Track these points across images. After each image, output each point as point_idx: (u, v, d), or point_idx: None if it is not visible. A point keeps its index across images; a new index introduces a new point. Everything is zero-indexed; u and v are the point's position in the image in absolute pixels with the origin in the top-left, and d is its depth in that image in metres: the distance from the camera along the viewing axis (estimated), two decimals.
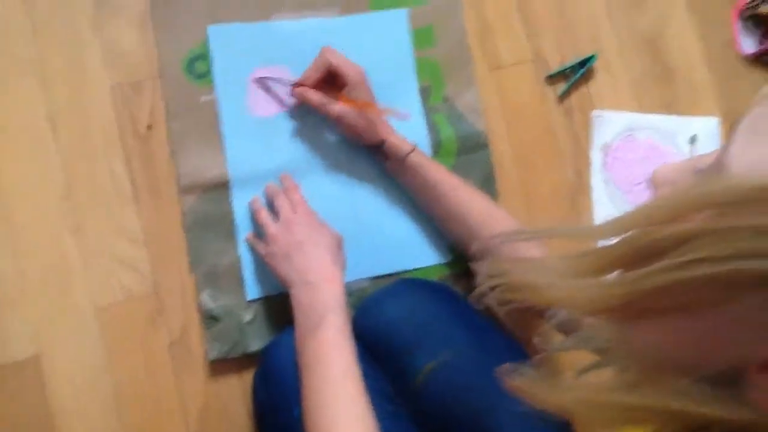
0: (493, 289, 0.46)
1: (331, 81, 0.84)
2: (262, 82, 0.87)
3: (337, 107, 0.82)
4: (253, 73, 0.88)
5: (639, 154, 1.00)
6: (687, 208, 0.34)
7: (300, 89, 0.84)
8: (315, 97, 0.83)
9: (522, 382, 0.47)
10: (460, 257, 0.90)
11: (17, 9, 0.85)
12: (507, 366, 0.48)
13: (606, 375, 0.46)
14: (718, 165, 0.36)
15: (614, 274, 0.38)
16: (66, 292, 0.81)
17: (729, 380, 0.36)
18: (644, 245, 0.36)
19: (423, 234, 0.91)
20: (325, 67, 0.83)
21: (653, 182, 0.42)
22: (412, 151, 0.84)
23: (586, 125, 1.01)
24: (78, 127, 0.84)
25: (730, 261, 0.32)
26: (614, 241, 0.37)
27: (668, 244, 0.34)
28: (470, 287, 0.90)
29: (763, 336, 0.34)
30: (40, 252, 0.81)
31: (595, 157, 1.00)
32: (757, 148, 0.34)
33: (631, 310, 0.38)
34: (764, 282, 0.31)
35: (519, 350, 0.82)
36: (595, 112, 1.00)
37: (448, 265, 0.91)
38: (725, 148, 0.36)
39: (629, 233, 0.37)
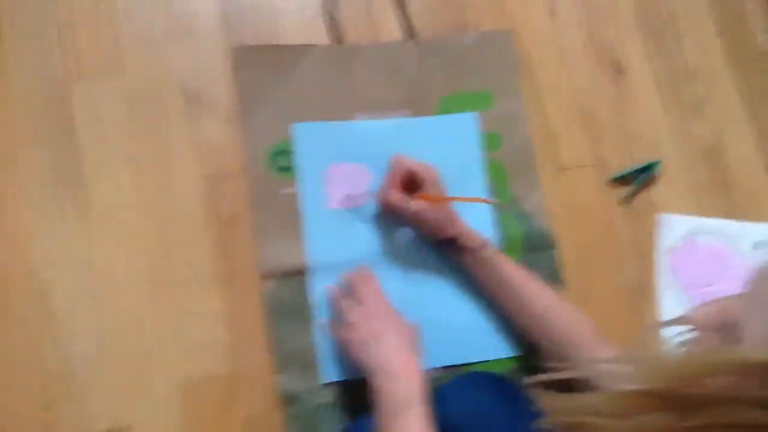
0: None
1: (407, 184, 0.95)
2: (349, 199, 0.99)
3: (415, 205, 0.92)
4: (331, 168, 0.99)
5: (703, 258, 1.07)
6: (707, 372, 0.41)
7: (383, 195, 0.95)
8: (395, 198, 0.93)
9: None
10: (528, 351, 0.97)
11: (118, 105, 0.97)
12: None
13: None
14: (736, 335, 0.43)
15: (654, 418, 0.44)
16: (148, 372, 0.90)
17: None
18: (672, 396, 0.42)
19: (494, 327, 0.99)
20: (401, 173, 0.93)
21: (691, 322, 0.50)
22: (485, 244, 0.92)
23: (649, 228, 1.09)
24: (165, 214, 0.95)
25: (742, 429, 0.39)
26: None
27: (687, 403, 0.41)
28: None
29: None
30: (127, 333, 0.91)
31: (660, 260, 1.07)
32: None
33: None
34: None
35: None
36: (658, 216, 1.09)
37: (517, 358, 0.98)
38: (744, 317, 0.43)
39: (658, 382, 0.43)
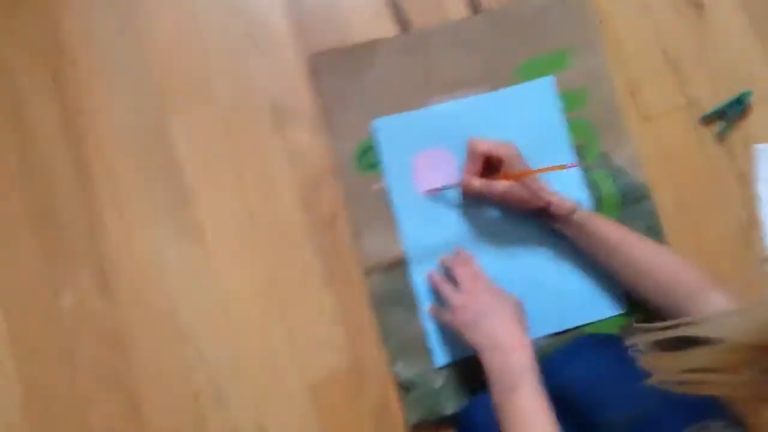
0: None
1: (488, 165, 0.97)
2: (433, 192, 1.03)
3: (500, 186, 0.95)
4: (415, 157, 1.03)
5: None
6: None
7: (465, 184, 0.98)
8: (478, 184, 0.96)
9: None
10: (637, 305, 0.98)
11: (213, 130, 1.05)
12: (695, 427, 0.55)
13: None
14: None
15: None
16: (279, 373, 0.99)
17: None
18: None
19: (597, 287, 1.01)
20: (478, 157, 0.96)
21: None
22: (576, 207, 0.94)
23: (750, 162, 1.06)
24: (273, 223, 1.03)
25: None
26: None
27: None
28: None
29: None
30: (256, 339, 1.00)
31: (763, 192, 1.05)
32: None
33: None
34: None
35: (710, 404, 0.87)
36: (757, 146, 1.06)
37: (625, 315, 1.00)
38: None
39: (755, 335, 0.45)
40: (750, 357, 0.46)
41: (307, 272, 1.02)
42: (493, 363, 0.85)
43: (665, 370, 0.53)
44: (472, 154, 0.97)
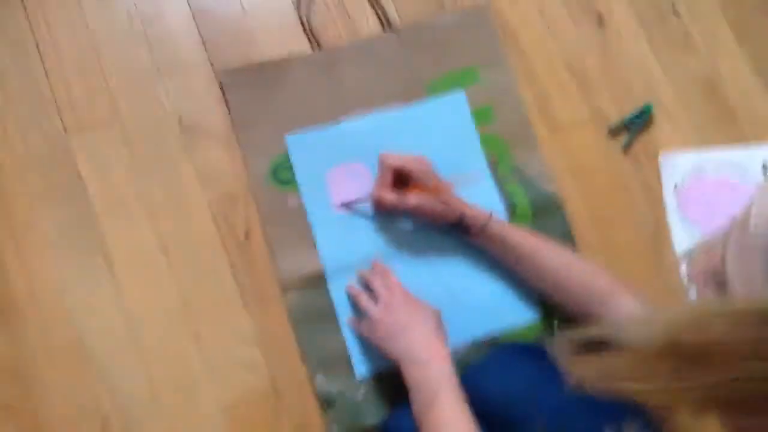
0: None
1: (400, 179, 0.98)
2: (347, 206, 1.03)
3: (413, 199, 0.95)
4: (331, 171, 1.03)
5: (712, 191, 1.08)
6: (705, 319, 0.43)
7: (376, 199, 0.98)
8: (390, 198, 0.96)
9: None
10: (553, 311, 1.00)
11: (119, 151, 1.02)
12: (611, 428, 0.56)
13: None
14: (720, 280, 0.46)
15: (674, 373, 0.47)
16: (193, 397, 0.95)
17: None
18: (674, 349, 0.45)
19: (513, 295, 1.02)
20: (389, 172, 0.97)
21: (689, 277, 0.52)
22: (490, 218, 0.95)
23: (655, 171, 1.10)
24: (185, 244, 1.00)
25: (743, 370, 0.41)
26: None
27: (696, 349, 0.44)
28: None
29: None
30: (167, 365, 0.96)
31: (669, 199, 1.09)
32: (749, 271, 0.43)
33: (700, 407, 0.48)
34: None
35: (628, 406, 0.88)
36: (662, 156, 1.10)
37: (542, 321, 1.02)
38: (723, 261, 0.45)
39: (661, 341, 0.46)
40: (654, 362, 0.47)
41: (223, 293, 0.99)
42: (412, 375, 0.85)
43: (582, 375, 0.54)
44: (382, 168, 0.97)
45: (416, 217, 1.00)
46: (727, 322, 0.42)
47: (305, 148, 1.04)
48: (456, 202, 0.97)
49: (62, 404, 0.93)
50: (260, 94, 1.05)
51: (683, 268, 0.55)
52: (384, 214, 1.03)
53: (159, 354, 0.96)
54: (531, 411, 0.85)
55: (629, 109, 1.12)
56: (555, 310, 0.99)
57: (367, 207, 1.02)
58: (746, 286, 0.43)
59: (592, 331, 0.57)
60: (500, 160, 1.07)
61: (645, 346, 0.47)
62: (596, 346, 0.54)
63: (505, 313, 1.01)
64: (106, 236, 0.99)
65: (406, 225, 1.03)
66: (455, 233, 1.00)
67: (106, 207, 1.00)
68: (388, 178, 0.97)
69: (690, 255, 0.54)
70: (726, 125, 1.13)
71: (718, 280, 0.47)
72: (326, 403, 0.96)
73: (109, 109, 1.03)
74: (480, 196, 1.02)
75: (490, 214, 0.96)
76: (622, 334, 0.52)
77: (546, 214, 1.06)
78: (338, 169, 1.04)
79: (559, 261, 0.95)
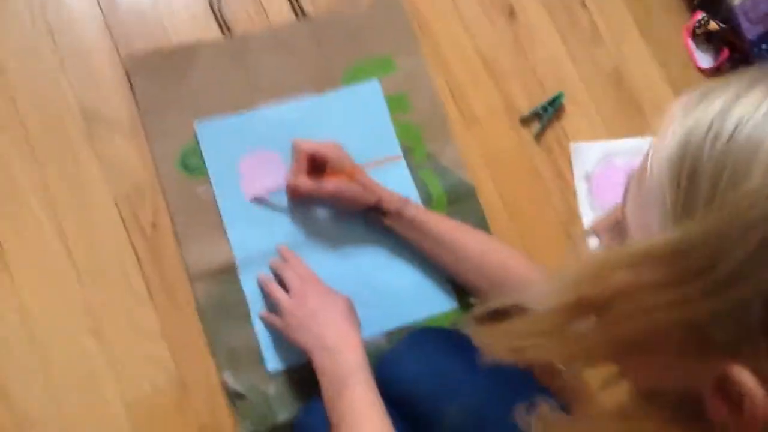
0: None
1: (314, 166, 0.96)
2: (259, 199, 1.00)
3: (331, 185, 0.94)
4: (242, 160, 1.00)
5: (620, 178, 1.10)
6: (605, 269, 0.44)
7: (292, 187, 0.96)
8: (306, 186, 0.95)
9: (537, 420, 0.54)
10: (468, 300, 1.00)
11: (15, 143, 0.97)
12: (523, 405, 0.56)
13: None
14: (622, 225, 0.47)
15: (578, 326, 0.47)
16: (97, 396, 0.90)
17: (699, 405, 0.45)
18: (582, 303, 0.46)
19: (429, 283, 1.01)
20: (304, 158, 0.95)
21: (593, 232, 0.53)
22: (407, 202, 0.94)
23: (567, 160, 1.12)
24: (88, 239, 0.95)
25: (643, 315, 0.42)
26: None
27: (599, 302, 0.44)
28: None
29: (696, 371, 0.43)
30: (67, 363, 0.91)
31: (580, 187, 1.11)
32: (646, 215, 0.43)
33: (601, 356, 0.48)
34: (674, 331, 0.41)
35: (537, 384, 0.89)
36: (572, 145, 1.12)
37: (458, 309, 1.01)
38: (623, 209, 0.47)
39: (568, 293, 0.46)
40: (559, 318, 0.47)
41: (128, 287, 0.95)
42: (323, 364, 0.84)
43: (492, 341, 0.54)
44: (297, 155, 0.96)
45: (333, 204, 0.99)
46: (626, 267, 0.43)
47: (216, 135, 1.01)
48: (373, 185, 0.96)
49: None
50: (168, 81, 1.02)
51: (590, 241, 0.56)
52: (298, 203, 1.00)
53: (57, 352, 0.91)
54: (444, 396, 0.85)
55: (541, 100, 1.13)
56: (471, 296, 0.99)
57: (282, 197, 1.00)
58: (643, 231, 0.43)
59: (498, 301, 0.58)
60: (415, 148, 1.07)
61: (549, 305, 0.48)
62: (503, 314, 0.54)
63: (421, 302, 1.00)
64: (4, 237, 0.93)
65: (320, 214, 1.01)
66: (371, 221, 0.99)
67: (4, 208, 0.94)
68: (304, 164, 0.95)
69: (593, 221, 0.55)
70: (633, 115, 1.16)
71: (620, 231, 0.47)
72: (235, 399, 0.92)
73: (8, 103, 0.98)
74: (395, 183, 1.01)
75: (406, 200, 0.96)
76: (526, 297, 0.52)
77: (460, 201, 1.06)
78: (250, 158, 1.01)
79: (476, 244, 0.95)
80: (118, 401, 0.91)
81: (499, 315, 0.56)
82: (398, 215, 0.96)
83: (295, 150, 0.96)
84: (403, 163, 1.05)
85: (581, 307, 0.46)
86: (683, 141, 0.41)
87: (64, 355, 0.91)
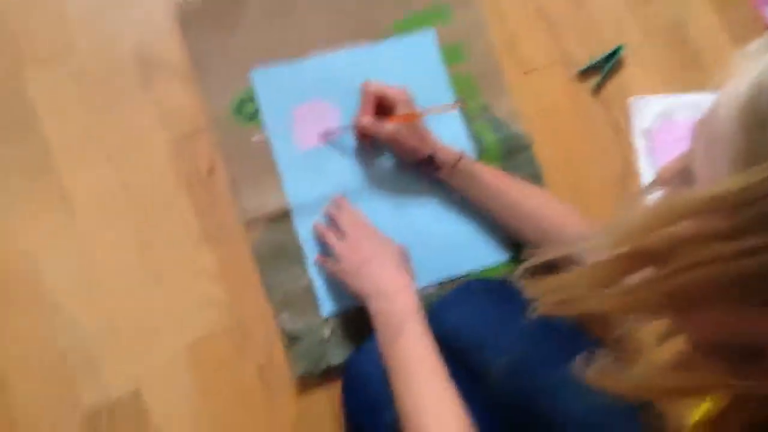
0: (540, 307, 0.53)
1: (381, 109, 0.96)
2: (327, 135, 1.01)
3: (390, 128, 0.94)
4: (297, 108, 1.00)
5: (680, 134, 1.08)
6: (667, 218, 0.43)
7: (357, 123, 0.96)
8: (367, 122, 0.95)
9: (591, 372, 0.53)
10: (522, 252, 0.99)
11: (74, 85, 0.99)
12: (577, 358, 0.55)
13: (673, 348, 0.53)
14: (688, 173, 0.45)
15: (635, 278, 0.46)
16: (156, 334, 0.93)
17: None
18: (642, 253, 0.44)
19: (482, 235, 1.01)
20: (372, 99, 0.95)
21: (658, 181, 0.52)
22: (461, 157, 0.94)
23: (625, 115, 1.10)
24: (146, 182, 0.97)
25: (704, 267, 0.41)
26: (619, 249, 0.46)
27: (660, 252, 0.43)
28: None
29: (759, 323, 0.42)
30: (129, 302, 0.94)
31: (639, 143, 1.09)
32: (715, 163, 0.42)
33: (659, 308, 0.47)
34: (738, 281, 0.40)
35: (587, 339, 0.88)
36: (631, 99, 1.09)
37: (510, 262, 1.01)
38: (693, 161, 0.45)
39: (627, 243, 0.45)
40: (616, 269, 0.46)
41: (184, 231, 0.97)
42: (377, 310, 0.84)
43: (544, 294, 0.53)
44: (365, 94, 0.96)
45: (391, 148, 0.99)
46: (689, 215, 0.42)
47: (271, 83, 1.01)
48: (430, 137, 0.96)
49: (20, 339, 0.91)
50: (221, 29, 1.02)
51: (648, 198, 0.55)
52: (356, 153, 1.01)
53: (120, 293, 0.94)
54: (492, 347, 0.85)
55: (598, 53, 1.11)
56: (523, 249, 0.98)
57: (336, 146, 1.00)
58: (710, 180, 0.42)
59: (551, 253, 0.57)
60: (469, 100, 1.06)
61: (604, 256, 0.47)
62: (555, 268, 0.53)
63: (473, 253, 1.00)
64: (63, 175, 0.96)
65: (376, 163, 1.02)
66: (428, 173, 0.99)
67: (63, 145, 0.97)
68: (370, 105, 0.95)
69: (658, 171, 0.53)
70: (694, 70, 1.13)
71: (686, 178, 0.46)
72: (291, 340, 0.94)
73: (65, 39, 1.00)
74: (449, 135, 1.01)
75: (462, 154, 0.95)
76: (580, 249, 0.51)
77: (515, 154, 1.05)
78: (304, 106, 1.01)
79: (531, 198, 0.94)
80: (177, 340, 0.93)
81: (551, 269, 0.55)
82: (452, 169, 0.96)
83: (365, 89, 0.96)
84: (458, 114, 1.04)
85: (638, 258, 0.45)
86: (754, 87, 0.40)
87: (125, 297, 0.94)
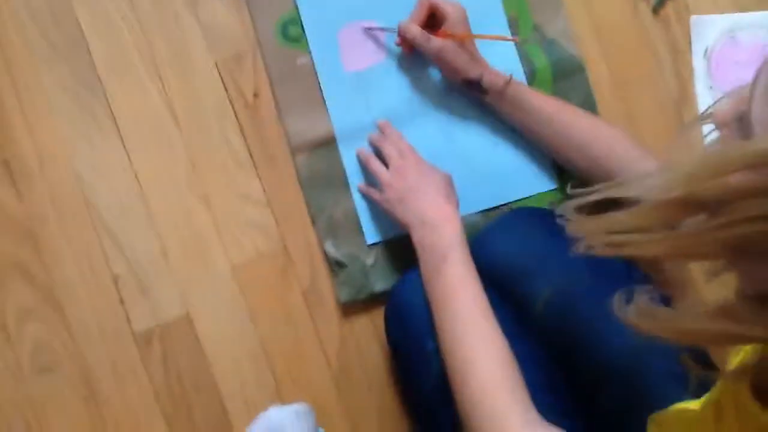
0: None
1: (431, 24, 0.93)
2: (369, 33, 0.98)
3: (438, 42, 0.91)
4: (343, 30, 0.98)
5: (745, 56, 1.03)
6: (723, 168, 0.41)
7: (403, 30, 0.94)
8: (417, 32, 0.92)
9: (634, 309, 0.53)
10: (569, 180, 0.98)
11: (121, 8, 0.98)
12: (620, 293, 0.54)
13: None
14: (746, 121, 0.43)
15: (688, 224, 0.45)
16: (204, 257, 0.97)
17: None
18: (694, 200, 0.43)
19: (529, 162, 0.99)
20: (426, 8, 0.92)
21: (713, 122, 0.49)
22: (510, 80, 0.92)
23: (685, 35, 1.05)
24: (192, 105, 0.98)
25: (760, 220, 0.39)
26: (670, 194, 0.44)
27: (714, 200, 0.41)
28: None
29: None
30: (177, 225, 0.97)
31: (698, 64, 1.04)
32: None
33: (709, 255, 0.46)
34: None
35: (635, 273, 0.88)
36: (693, 18, 1.04)
37: (558, 190, 0.99)
38: (749, 103, 0.42)
39: (679, 189, 0.43)
40: (667, 213, 0.45)
41: (231, 154, 0.98)
42: (421, 239, 0.85)
43: (590, 234, 0.52)
44: (419, 4, 0.93)
45: (436, 64, 0.96)
46: (746, 167, 0.40)
47: (315, 3, 0.99)
48: (480, 59, 0.93)
49: (74, 264, 0.95)
50: None
51: (705, 127, 0.53)
52: (402, 77, 0.99)
53: (168, 215, 0.96)
54: (537, 276, 0.85)
55: None
56: (571, 177, 0.96)
57: (382, 70, 0.99)
58: None
59: (602, 190, 0.56)
60: (521, 19, 1.02)
61: (656, 199, 0.45)
62: (606, 205, 0.52)
63: (519, 181, 0.99)
64: (111, 96, 0.97)
65: (422, 89, 0.99)
66: (473, 96, 0.97)
67: (110, 65, 0.97)
68: (422, 15, 0.93)
69: (715, 105, 0.51)
70: None
71: (743, 126, 0.44)
72: (336, 266, 0.96)
73: None
74: (499, 57, 0.97)
75: (510, 77, 0.93)
76: (635, 189, 0.50)
77: (567, 77, 1.02)
78: (350, 28, 0.99)
79: (582, 125, 0.91)
80: (224, 263, 0.96)
81: (600, 205, 0.54)
82: (500, 94, 0.93)
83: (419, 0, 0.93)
84: (507, 34, 1.01)
85: (692, 204, 0.44)
86: None
87: (172, 217, 0.97)
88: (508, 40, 0.96)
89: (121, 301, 0.95)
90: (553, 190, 1.00)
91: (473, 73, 0.93)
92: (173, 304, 0.95)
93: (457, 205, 0.89)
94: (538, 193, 1.00)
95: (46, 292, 0.94)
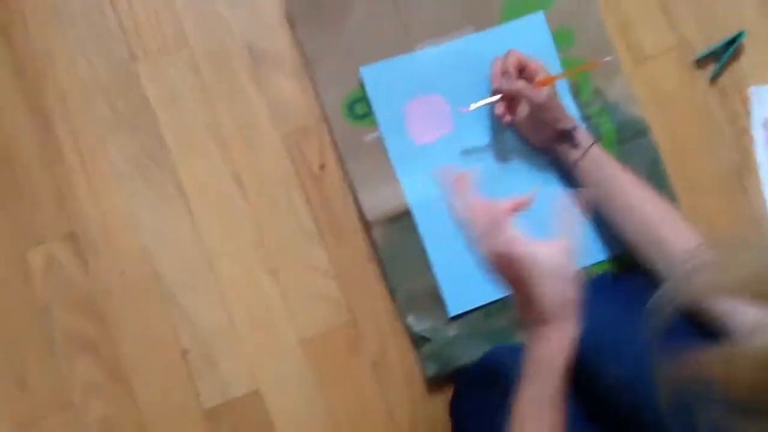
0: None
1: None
2: (462, 110, 0.99)
3: (546, 90, 0.91)
4: (408, 104, 1.00)
5: None
6: None
7: (507, 83, 0.93)
8: (523, 84, 0.92)
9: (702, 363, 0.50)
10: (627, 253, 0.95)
11: (187, 77, 1.00)
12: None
13: None
14: None
15: None
16: (272, 330, 0.96)
17: None
18: None
19: (591, 230, 0.99)
20: (515, 65, 0.93)
21: None
22: (596, 141, 0.93)
23: (744, 104, 1.06)
24: (259, 178, 0.99)
25: None
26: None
27: None
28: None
29: None
30: (245, 298, 0.97)
31: (758, 134, 1.05)
32: None
33: None
34: None
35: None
36: (752, 88, 1.06)
37: (615, 259, 0.99)
38: None
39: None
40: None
41: (298, 226, 0.98)
42: (530, 348, 0.70)
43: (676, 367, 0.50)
44: (509, 59, 0.94)
45: (537, 114, 0.94)
46: None
47: (381, 79, 1.00)
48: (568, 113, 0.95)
49: (140, 337, 0.94)
50: (328, 24, 1.01)
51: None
52: (466, 145, 1.00)
53: (236, 287, 0.96)
54: (612, 351, 0.81)
55: (716, 39, 1.07)
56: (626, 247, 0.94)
57: (451, 140, 1.00)
58: None
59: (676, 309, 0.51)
60: (581, 84, 1.03)
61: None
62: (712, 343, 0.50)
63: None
64: (178, 167, 0.98)
65: (493, 156, 1.00)
66: (556, 151, 0.96)
67: (177, 137, 0.99)
68: (514, 69, 0.94)
69: None
70: None
71: None
72: (419, 341, 0.96)
73: (176, 33, 1.01)
74: None
75: (595, 139, 0.93)
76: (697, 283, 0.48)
77: (632, 140, 1.03)
78: (416, 101, 1.00)
79: (649, 204, 0.89)
80: (293, 336, 0.96)
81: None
82: (584, 153, 0.92)
83: (509, 55, 0.94)
84: (571, 101, 1.03)
85: None
86: None
87: (241, 291, 0.97)
88: (600, 65, 1.00)
89: (190, 377, 0.94)
90: (605, 260, 0.99)
91: (569, 123, 0.93)
92: (242, 378, 0.94)
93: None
94: (596, 262, 0.99)
95: (112, 367, 0.93)
